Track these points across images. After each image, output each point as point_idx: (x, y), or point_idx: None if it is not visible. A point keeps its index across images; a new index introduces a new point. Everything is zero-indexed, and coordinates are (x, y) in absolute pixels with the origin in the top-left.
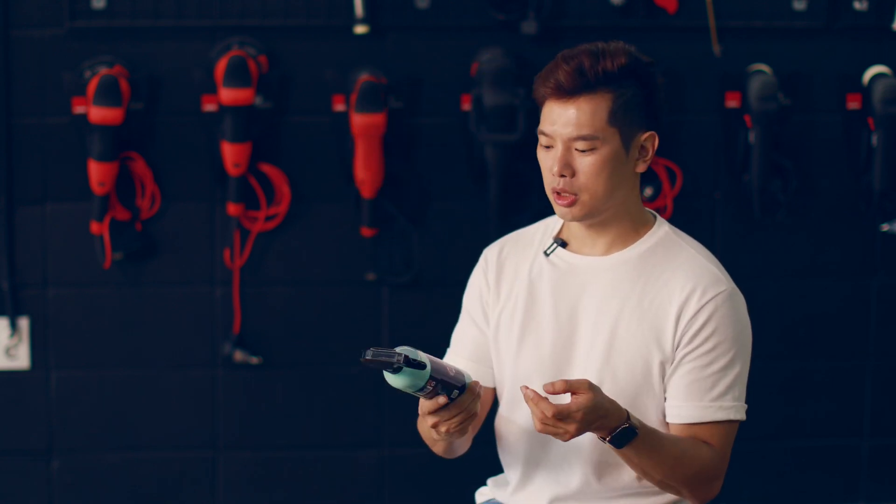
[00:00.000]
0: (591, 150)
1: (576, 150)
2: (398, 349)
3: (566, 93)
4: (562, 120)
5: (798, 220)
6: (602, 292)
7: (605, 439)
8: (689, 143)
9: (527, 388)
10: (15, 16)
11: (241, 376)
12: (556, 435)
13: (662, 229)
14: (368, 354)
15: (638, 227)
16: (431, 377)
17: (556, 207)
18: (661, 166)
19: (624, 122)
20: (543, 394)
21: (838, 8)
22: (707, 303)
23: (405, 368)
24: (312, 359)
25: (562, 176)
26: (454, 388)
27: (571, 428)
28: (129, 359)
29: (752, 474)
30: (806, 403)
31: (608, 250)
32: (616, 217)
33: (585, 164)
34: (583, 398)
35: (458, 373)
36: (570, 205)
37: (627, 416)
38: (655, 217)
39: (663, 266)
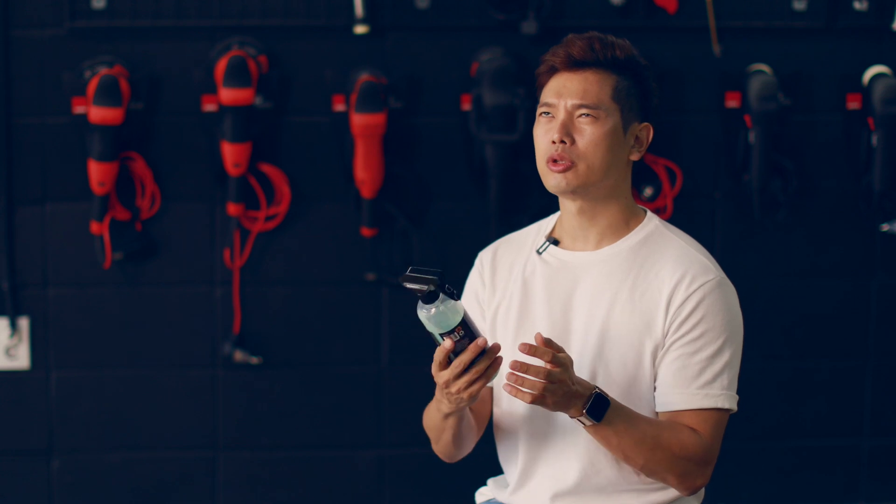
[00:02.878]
0: (594, 119)
1: (578, 118)
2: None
3: (576, 64)
4: (567, 89)
5: (798, 220)
6: (594, 286)
7: (581, 415)
8: (689, 143)
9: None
10: (15, 16)
11: (241, 376)
12: (523, 387)
13: (652, 223)
14: (408, 271)
15: (629, 221)
16: (463, 321)
17: (548, 178)
18: (661, 166)
19: (624, 103)
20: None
21: (838, 8)
22: (696, 290)
23: (440, 303)
24: (312, 359)
25: (561, 142)
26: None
27: (541, 387)
28: (129, 359)
29: (752, 474)
30: (806, 403)
31: (599, 244)
32: (606, 204)
33: (587, 132)
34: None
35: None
36: (565, 170)
37: (596, 387)
38: (646, 212)
39: (654, 258)
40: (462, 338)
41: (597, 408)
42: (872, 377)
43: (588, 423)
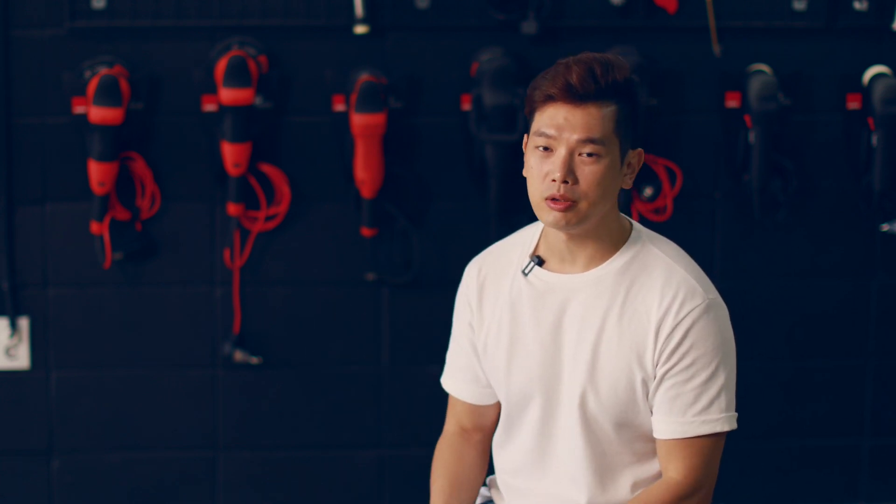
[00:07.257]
0: (597, 156)
1: (579, 155)
2: None
3: (578, 96)
4: (570, 123)
5: (798, 220)
6: (582, 310)
7: None
8: (689, 143)
9: None
10: (15, 16)
11: (241, 376)
12: None
13: (639, 239)
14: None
15: (615, 240)
16: None
17: (545, 214)
18: (661, 166)
19: (624, 135)
20: None
21: (838, 8)
22: (684, 318)
23: None
24: (312, 359)
25: (564, 182)
26: None
27: None
28: (129, 359)
29: (752, 474)
30: (806, 403)
31: (586, 266)
32: (596, 231)
33: (588, 171)
34: None
35: None
36: (566, 210)
37: None
38: (632, 225)
39: (641, 280)
40: None
41: None
42: (872, 377)
43: None
